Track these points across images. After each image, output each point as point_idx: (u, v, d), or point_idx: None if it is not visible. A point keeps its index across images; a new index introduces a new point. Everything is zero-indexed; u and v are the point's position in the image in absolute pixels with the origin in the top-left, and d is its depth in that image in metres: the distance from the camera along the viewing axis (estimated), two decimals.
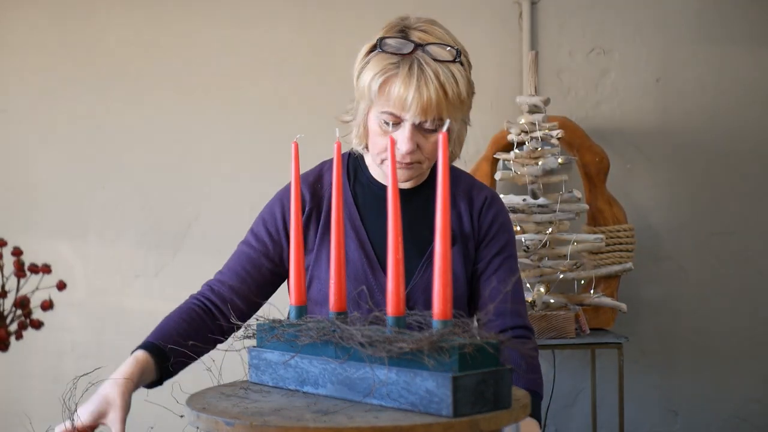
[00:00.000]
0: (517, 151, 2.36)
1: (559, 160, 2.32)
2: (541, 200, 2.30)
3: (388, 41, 1.52)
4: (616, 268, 2.41)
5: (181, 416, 1.18)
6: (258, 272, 1.64)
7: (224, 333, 1.60)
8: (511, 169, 2.36)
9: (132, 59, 2.67)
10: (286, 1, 2.68)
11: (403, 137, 1.49)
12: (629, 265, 2.42)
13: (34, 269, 1.38)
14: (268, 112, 2.66)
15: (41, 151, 2.68)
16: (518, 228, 2.33)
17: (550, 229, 2.31)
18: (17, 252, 1.38)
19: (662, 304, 2.65)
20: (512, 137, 2.37)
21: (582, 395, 2.64)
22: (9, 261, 1.35)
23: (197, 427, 1.11)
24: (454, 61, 1.49)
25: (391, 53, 1.50)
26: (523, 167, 2.33)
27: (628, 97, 2.65)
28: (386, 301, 1.08)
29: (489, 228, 1.61)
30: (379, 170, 1.60)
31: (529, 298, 2.34)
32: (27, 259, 1.38)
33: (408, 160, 1.52)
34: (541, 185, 2.33)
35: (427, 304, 1.51)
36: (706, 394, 2.65)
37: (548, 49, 2.65)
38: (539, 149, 2.33)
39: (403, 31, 1.54)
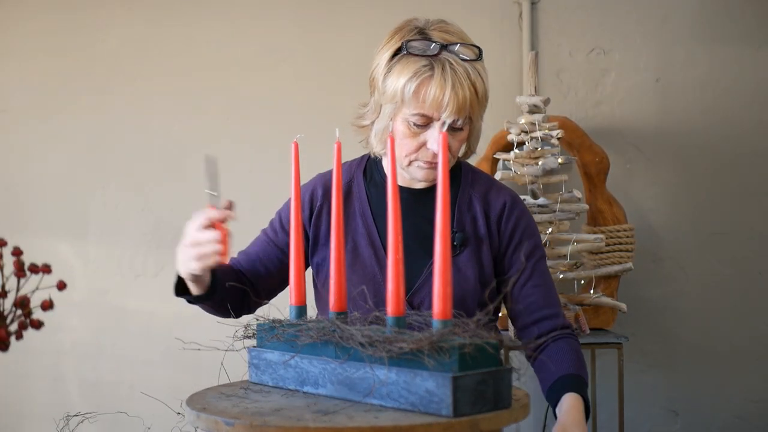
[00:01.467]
0: (517, 151, 2.35)
1: (559, 160, 2.32)
2: (541, 200, 2.30)
3: (413, 44, 1.53)
4: (616, 268, 2.41)
5: (178, 413, 1.18)
6: (268, 259, 1.70)
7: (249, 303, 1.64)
8: (511, 169, 2.36)
9: (132, 59, 2.67)
10: (286, 1, 2.68)
11: (434, 137, 1.51)
12: (629, 265, 2.42)
13: (34, 269, 1.38)
14: (268, 112, 2.66)
15: (41, 151, 2.68)
16: None
17: (550, 229, 2.31)
18: (17, 252, 1.37)
19: (662, 304, 2.65)
20: (512, 137, 2.37)
21: None
22: (9, 261, 1.35)
23: (197, 427, 1.11)
24: (478, 59, 1.51)
25: (418, 55, 1.51)
26: (523, 167, 2.33)
27: (628, 97, 2.65)
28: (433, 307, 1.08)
29: (513, 234, 1.63)
30: (400, 172, 1.61)
31: None
32: (27, 259, 1.38)
33: (429, 157, 1.54)
34: (541, 185, 2.33)
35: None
36: (706, 394, 2.65)
37: (548, 49, 2.65)
38: (539, 149, 2.33)
39: (422, 33, 1.56)
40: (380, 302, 1.51)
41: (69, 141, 2.67)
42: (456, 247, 1.59)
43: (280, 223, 1.71)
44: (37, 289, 1.38)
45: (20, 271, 1.36)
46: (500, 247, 1.62)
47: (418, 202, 1.63)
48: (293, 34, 2.68)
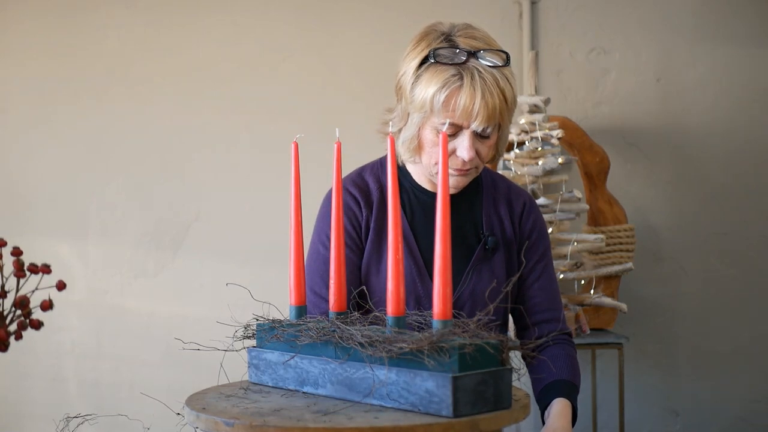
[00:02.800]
0: (517, 151, 2.35)
1: (560, 160, 2.32)
2: (541, 200, 2.30)
3: (440, 52, 1.52)
4: (617, 268, 2.41)
5: (178, 413, 1.18)
6: (351, 273, 1.60)
7: None
8: (511, 169, 2.36)
9: (132, 60, 2.67)
10: (286, 1, 2.68)
11: (464, 146, 1.50)
12: (629, 265, 2.42)
13: (34, 269, 1.38)
14: (268, 112, 2.66)
15: (41, 151, 2.68)
16: None
17: (551, 229, 2.31)
18: (17, 252, 1.37)
19: (662, 304, 2.65)
20: (512, 137, 2.37)
21: (582, 395, 2.64)
22: (9, 261, 1.35)
23: (196, 428, 1.11)
24: (506, 65, 1.51)
25: (447, 64, 1.50)
26: (523, 167, 2.33)
27: (628, 97, 2.65)
28: (433, 308, 1.07)
29: (530, 234, 1.65)
30: (427, 178, 1.61)
31: None
32: (27, 259, 1.38)
33: (468, 167, 1.53)
34: (541, 185, 2.33)
35: (474, 309, 1.53)
36: (706, 394, 2.65)
37: (548, 49, 2.65)
38: (539, 149, 2.33)
39: (448, 39, 1.55)
40: (421, 311, 1.50)
41: (69, 141, 2.67)
42: (489, 251, 1.60)
43: (327, 235, 1.62)
44: (36, 289, 1.38)
45: (20, 271, 1.36)
46: (519, 244, 1.65)
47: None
48: (293, 34, 2.67)
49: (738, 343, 2.65)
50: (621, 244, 2.45)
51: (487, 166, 1.71)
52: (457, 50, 1.51)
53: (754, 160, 2.65)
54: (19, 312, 1.34)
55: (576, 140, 2.48)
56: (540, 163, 2.31)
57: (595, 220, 2.49)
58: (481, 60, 1.50)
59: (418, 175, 1.63)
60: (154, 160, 2.67)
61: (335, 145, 1.31)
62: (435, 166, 1.55)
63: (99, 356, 2.66)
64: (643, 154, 2.65)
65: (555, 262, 2.33)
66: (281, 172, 2.59)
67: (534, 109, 2.37)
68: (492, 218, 1.63)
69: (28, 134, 2.68)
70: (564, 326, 1.65)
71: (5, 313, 1.32)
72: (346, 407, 1.08)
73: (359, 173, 1.66)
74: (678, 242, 2.65)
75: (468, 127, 1.49)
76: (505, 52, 1.52)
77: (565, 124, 2.47)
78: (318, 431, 0.98)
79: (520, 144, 2.37)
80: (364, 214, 1.60)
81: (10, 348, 1.33)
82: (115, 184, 2.67)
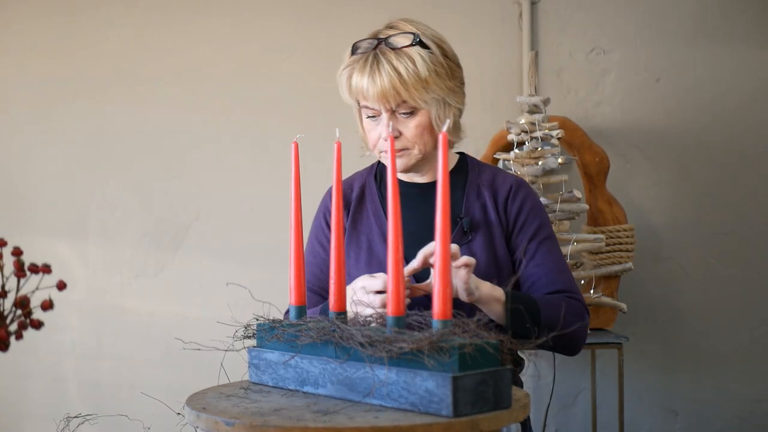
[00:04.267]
0: (517, 151, 2.35)
1: (559, 160, 2.31)
2: (541, 200, 2.30)
3: (359, 44, 1.63)
4: (617, 268, 2.41)
5: (178, 413, 1.18)
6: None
7: None
8: (511, 169, 2.36)
9: (132, 60, 2.67)
10: (286, 1, 2.68)
11: (382, 126, 1.60)
12: (629, 265, 2.42)
13: (34, 269, 1.38)
14: (268, 112, 2.66)
15: (41, 151, 2.68)
16: None
17: None
18: (17, 252, 1.37)
19: (662, 304, 2.65)
20: (512, 137, 2.37)
21: (582, 395, 2.64)
22: (9, 261, 1.35)
23: (197, 427, 1.11)
24: (412, 45, 1.58)
25: (358, 53, 1.61)
26: (523, 167, 2.33)
27: (628, 97, 2.65)
28: (433, 308, 1.08)
29: (518, 216, 1.65)
30: (402, 170, 1.67)
31: None
32: (27, 259, 1.38)
33: (395, 147, 1.58)
34: (541, 185, 2.33)
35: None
36: (706, 394, 2.65)
37: (548, 49, 2.65)
38: (539, 149, 2.33)
39: (376, 32, 1.65)
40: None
41: (69, 141, 2.67)
42: (467, 233, 1.61)
43: (320, 244, 1.74)
44: (36, 289, 1.38)
45: (20, 271, 1.36)
46: (508, 229, 1.65)
47: (423, 195, 1.68)
48: (293, 34, 2.67)
49: (738, 343, 2.65)
50: (621, 244, 2.45)
51: (486, 162, 1.73)
52: (372, 39, 1.62)
53: (754, 160, 2.65)
54: (19, 312, 1.34)
55: (576, 140, 2.48)
56: (540, 163, 2.31)
57: (595, 220, 2.49)
58: (387, 45, 1.59)
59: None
60: (154, 160, 2.67)
61: (335, 145, 1.31)
62: (375, 150, 1.64)
63: (99, 356, 2.66)
64: (643, 154, 2.65)
65: None
66: (281, 172, 2.59)
67: (534, 109, 2.37)
68: (472, 203, 1.66)
69: (28, 134, 2.68)
70: (567, 287, 1.61)
71: (5, 313, 1.32)
72: (346, 407, 1.08)
73: (350, 177, 1.77)
74: (678, 242, 2.65)
75: (388, 110, 1.58)
76: (414, 33, 1.60)
77: (565, 124, 2.47)
78: (318, 431, 0.98)
79: (520, 144, 2.37)
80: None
81: (10, 348, 1.33)
82: (115, 184, 2.67)
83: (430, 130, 1.62)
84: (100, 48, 2.67)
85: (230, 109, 2.66)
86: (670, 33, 2.65)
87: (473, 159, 1.76)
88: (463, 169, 1.72)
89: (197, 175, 2.67)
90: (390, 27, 1.65)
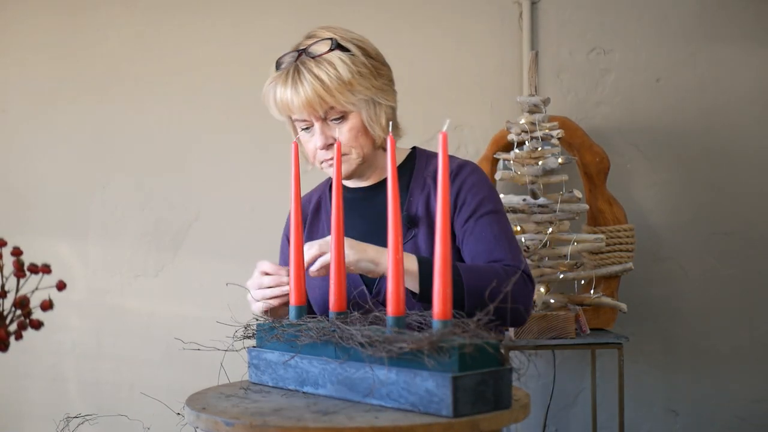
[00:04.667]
0: (517, 151, 2.35)
1: (559, 160, 2.31)
2: (541, 200, 2.30)
3: (282, 59, 1.62)
4: (617, 268, 2.41)
5: (178, 413, 1.18)
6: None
7: None
8: (511, 169, 2.36)
9: (132, 59, 2.67)
10: (286, 1, 2.68)
11: (317, 137, 1.59)
12: (629, 265, 2.41)
13: (34, 269, 1.38)
14: (268, 112, 2.66)
15: (41, 151, 2.68)
16: (518, 228, 2.33)
17: (551, 229, 2.31)
18: (17, 252, 1.37)
19: (662, 304, 2.65)
20: (512, 137, 2.37)
21: (582, 395, 2.64)
22: (9, 261, 1.35)
23: (196, 428, 1.11)
24: (330, 50, 1.56)
25: (281, 69, 1.60)
26: (523, 167, 2.33)
27: (628, 97, 2.65)
28: (433, 308, 1.07)
29: (457, 197, 1.62)
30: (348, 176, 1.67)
31: None
32: (27, 259, 1.37)
33: (329, 155, 1.60)
34: (541, 185, 2.33)
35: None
36: (706, 394, 2.65)
37: (548, 49, 2.65)
38: (539, 149, 2.33)
39: (296, 45, 1.64)
40: (354, 303, 1.54)
41: (69, 141, 2.67)
42: (410, 228, 1.60)
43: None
44: (36, 289, 1.38)
45: (20, 271, 1.36)
46: (452, 214, 1.61)
47: (368, 197, 1.68)
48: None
49: (738, 343, 2.64)
50: (621, 244, 2.45)
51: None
52: (293, 52, 1.61)
53: (754, 160, 2.65)
54: (19, 312, 1.34)
55: (576, 140, 2.48)
56: (540, 163, 2.31)
57: (595, 220, 2.49)
58: (307, 55, 1.58)
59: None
60: (155, 160, 2.67)
61: (336, 145, 1.31)
62: (316, 162, 1.64)
63: (99, 356, 2.66)
64: (643, 154, 2.65)
65: (555, 262, 2.33)
66: (281, 172, 2.59)
67: (534, 109, 2.37)
68: (416, 198, 1.64)
69: (28, 134, 2.68)
70: (509, 257, 1.53)
71: (5, 313, 1.32)
72: (346, 407, 1.08)
73: (310, 191, 1.80)
74: (678, 242, 2.64)
75: (319, 120, 1.57)
76: (332, 39, 1.58)
77: (565, 124, 2.47)
78: (318, 431, 0.98)
79: (520, 144, 2.36)
80: None
81: (10, 348, 1.33)
82: (115, 184, 2.67)
83: (365, 132, 1.60)
84: (100, 48, 2.67)
85: (230, 109, 2.66)
86: (670, 33, 2.65)
87: (424, 151, 1.73)
88: (410, 163, 1.70)
89: (197, 175, 2.67)
90: (309, 37, 1.63)
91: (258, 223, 2.66)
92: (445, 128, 1.13)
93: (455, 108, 2.65)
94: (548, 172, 2.33)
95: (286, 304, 1.44)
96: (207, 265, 2.65)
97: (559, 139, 2.33)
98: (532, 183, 2.31)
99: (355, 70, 1.56)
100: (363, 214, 1.67)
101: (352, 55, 1.58)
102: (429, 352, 1.01)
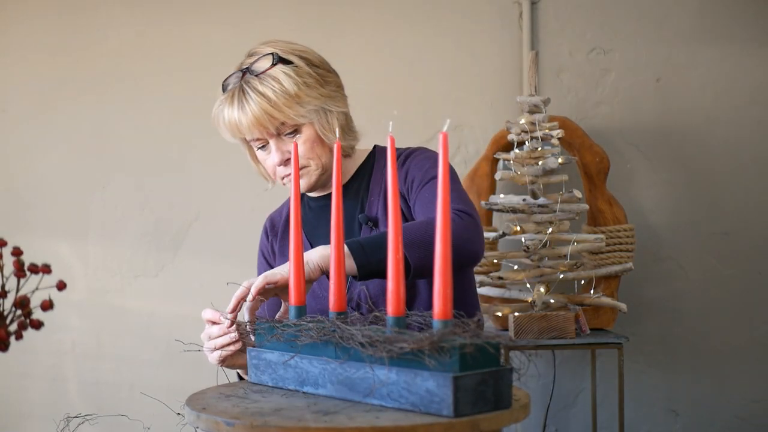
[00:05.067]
0: (517, 151, 2.35)
1: (559, 160, 2.31)
2: (541, 200, 2.30)
3: (227, 81, 1.61)
4: (617, 268, 2.41)
5: (178, 413, 1.18)
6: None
7: None
8: (511, 169, 2.36)
9: (132, 59, 2.67)
10: (286, 1, 2.68)
11: (272, 153, 1.58)
12: (629, 265, 2.41)
13: (34, 269, 1.38)
14: None
15: (41, 151, 2.67)
16: (518, 228, 2.33)
17: (551, 229, 2.31)
18: (17, 252, 1.37)
19: (662, 304, 2.64)
20: (512, 137, 2.37)
21: (582, 395, 2.64)
22: (9, 261, 1.35)
23: (197, 428, 1.11)
24: (273, 65, 1.55)
25: (229, 90, 1.59)
26: (523, 167, 2.33)
27: (628, 97, 2.65)
28: (433, 308, 1.05)
29: (405, 180, 1.60)
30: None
31: (528, 298, 2.34)
32: (27, 259, 1.38)
33: (289, 170, 1.59)
34: (541, 185, 2.33)
35: (371, 286, 1.51)
36: (706, 394, 2.65)
37: (548, 49, 2.65)
38: (539, 149, 2.33)
39: (239, 64, 1.63)
40: (318, 301, 1.54)
41: (69, 141, 2.67)
42: (372, 228, 1.59)
43: (265, 262, 1.76)
44: (36, 289, 1.38)
45: (20, 271, 1.36)
46: (408, 198, 1.59)
47: (328, 206, 1.68)
48: (293, 34, 2.67)
49: (738, 343, 2.64)
50: (621, 244, 2.45)
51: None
52: (237, 72, 1.59)
53: (754, 160, 2.65)
54: (19, 312, 1.34)
55: (576, 140, 2.48)
56: (540, 163, 2.31)
57: (595, 220, 2.49)
58: (251, 73, 1.56)
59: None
60: (154, 159, 2.66)
61: (335, 145, 1.31)
62: (277, 178, 1.63)
63: (99, 356, 2.66)
64: (643, 154, 2.65)
65: (554, 262, 2.33)
66: None
67: (534, 109, 2.37)
68: (375, 198, 1.63)
69: (28, 134, 2.68)
70: (459, 209, 1.48)
71: (5, 313, 1.32)
72: (346, 407, 1.08)
73: (281, 207, 1.80)
74: (678, 242, 2.64)
75: (274, 137, 1.56)
76: (273, 53, 1.56)
77: (565, 124, 2.47)
78: (319, 431, 0.98)
79: (520, 144, 2.36)
80: (269, 241, 1.74)
81: (10, 348, 1.33)
82: (115, 184, 2.67)
83: (321, 142, 1.59)
84: (100, 48, 2.67)
85: None
86: (670, 33, 2.65)
87: (384, 149, 1.72)
88: (368, 164, 1.69)
89: (197, 175, 2.67)
90: (250, 55, 1.62)
91: (258, 223, 2.64)
92: (445, 128, 1.13)
93: (455, 108, 2.65)
94: (548, 172, 2.33)
95: (243, 350, 1.39)
96: (207, 265, 2.65)
97: (559, 139, 2.32)
98: (532, 183, 2.31)
99: (300, 82, 1.55)
100: (329, 221, 1.66)
101: (296, 66, 1.56)
102: (430, 352, 1.01)
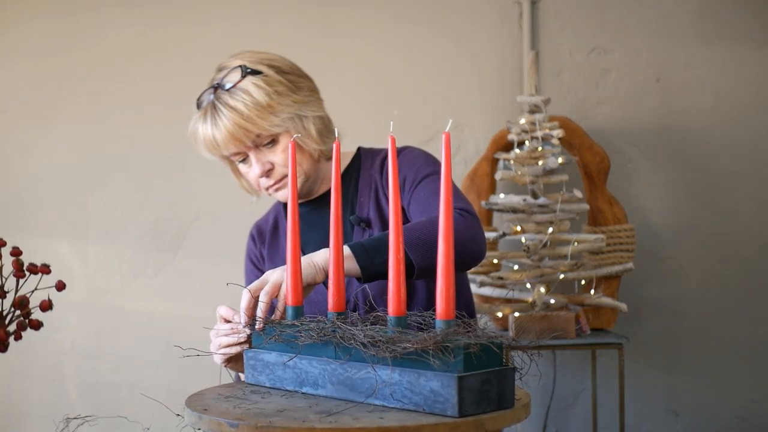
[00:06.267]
0: (517, 151, 2.35)
1: (560, 160, 2.31)
2: (541, 200, 2.30)
3: (201, 98, 1.61)
4: (617, 268, 2.41)
5: (177, 414, 1.17)
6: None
7: None
8: (511, 169, 2.36)
9: (132, 59, 2.66)
10: (286, 1, 2.68)
11: (253, 166, 1.58)
12: (630, 265, 2.41)
13: (33, 269, 1.37)
14: None
15: (41, 151, 2.67)
16: (518, 228, 2.32)
17: (551, 229, 2.30)
18: (16, 252, 1.37)
19: (663, 305, 2.64)
20: (512, 137, 2.37)
21: (582, 396, 2.64)
22: (8, 261, 1.34)
23: (198, 429, 1.10)
24: (242, 78, 1.54)
25: (203, 107, 1.59)
26: (523, 167, 2.33)
27: (628, 97, 2.65)
28: (437, 308, 1.05)
29: (398, 179, 1.58)
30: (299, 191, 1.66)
31: (529, 298, 2.33)
32: (27, 259, 1.37)
33: (272, 181, 1.60)
34: (541, 185, 2.33)
35: (373, 297, 1.51)
36: (707, 394, 2.64)
37: (548, 49, 2.64)
38: (539, 149, 2.33)
39: (211, 80, 1.62)
40: (315, 304, 1.53)
41: (68, 141, 2.67)
42: (364, 229, 1.58)
43: (256, 277, 1.74)
44: (36, 289, 1.37)
45: (19, 271, 1.35)
46: (402, 197, 1.57)
47: (318, 208, 1.69)
48: (293, 34, 2.67)
49: (738, 343, 2.64)
50: (621, 244, 2.45)
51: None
52: (209, 89, 1.59)
53: (754, 160, 2.65)
54: (18, 312, 1.33)
55: (576, 140, 2.48)
56: (540, 163, 2.31)
57: (595, 220, 2.48)
58: (222, 88, 1.56)
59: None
60: (154, 159, 2.66)
61: (335, 145, 1.31)
62: (261, 189, 1.64)
63: (99, 356, 2.65)
64: (643, 154, 2.65)
65: (555, 262, 2.33)
66: None
67: (534, 109, 2.37)
68: (366, 198, 1.63)
69: (28, 134, 2.68)
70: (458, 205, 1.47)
71: (5, 313, 1.32)
72: (348, 407, 1.07)
73: (267, 214, 1.80)
74: (678, 242, 2.64)
75: (251, 151, 1.56)
76: (241, 66, 1.55)
77: (565, 124, 2.47)
78: (325, 431, 0.98)
79: (521, 144, 2.36)
80: (258, 248, 1.74)
81: (10, 348, 1.32)
82: (114, 184, 2.66)
83: (299, 149, 1.59)
84: (99, 48, 2.67)
85: None
86: (670, 33, 2.65)
87: (369, 150, 1.71)
88: (355, 165, 1.68)
89: (197, 175, 2.67)
90: (220, 70, 1.61)
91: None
92: (447, 128, 1.13)
93: (455, 108, 2.64)
94: (548, 172, 2.33)
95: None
96: (207, 266, 2.64)
97: (559, 139, 2.32)
98: (533, 183, 2.31)
99: (271, 91, 1.54)
100: (316, 225, 1.66)
101: (265, 76, 1.55)
102: (434, 352, 1.01)
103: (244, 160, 1.60)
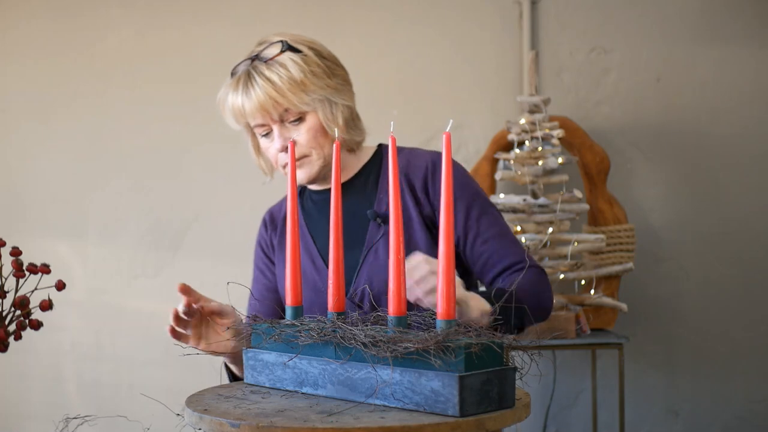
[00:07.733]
0: (517, 150, 2.35)
1: (560, 160, 2.31)
2: (541, 200, 2.30)
3: (236, 68, 1.61)
4: (617, 268, 2.41)
5: (177, 414, 1.17)
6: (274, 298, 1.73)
7: None
8: (511, 169, 2.35)
9: (131, 60, 2.66)
10: (286, 1, 2.68)
11: (275, 140, 1.57)
12: (630, 265, 2.41)
13: (33, 269, 1.37)
14: None
15: (41, 151, 2.67)
16: (518, 228, 2.32)
17: (551, 229, 2.30)
18: (16, 252, 1.36)
19: (663, 305, 2.64)
20: (512, 137, 2.37)
21: (583, 396, 2.64)
22: (8, 261, 1.34)
23: (198, 429, 1.10)
24: (282, 52, 1.55)
25: (235, 76, 1.59)
26: (523, 167, 2.33)
27: (628, 97, 2.65)
28: (437, 307, 1.06)
29: (432, 200, 1.59)
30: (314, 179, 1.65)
31: None
32: (26, 259, 1.37)
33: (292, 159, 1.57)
34: (541, 185, 2.33)
35: (372, 284, 1.51)
36: (707, 394, 2.65)
37: (548, 49, 2.64)
38: (540, 149, 2.33)
39: (250, 52, 1.62)
40: (322, 309, 1.52)
41: (68, 141, 2.66)
42: (380, 225, 1.58)
43: (264, 264, 1.76)
44: (36, 289, 1.37)
45: (19, 271, 1.35)
46: (435, 213, 1.58)
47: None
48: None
49: (738, 343, 2.64)
50: (621, 244, 2.45)
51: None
52: (247, 60, 1.59)
53: (754, 160, 2.65)
54: (18, 312, 1.33)
55: (576, 140, 2.48)
56: (540, 163, 2.31)
57: (595, 220, 2.48)
58: (259, 59, 1.57)
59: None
60: (154, 160, 2.66)
61: (335, 145, 1.31)
62: (278, 166, 1.62)
63: (99, 356, 2.65)
64: (643, 154, 2.65)
65: (555, 262, 2.33)
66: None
67: (534, 109, 2.37)
68: (384, 194, 1.61)
69: (27, 134, 2.67)
70: (517, 257, 1.54)
71: (4, 313, 1.32)
72: (349, 407, 1.07)
73: (281, 201, 1.78)
74: (678, 242, 2.64)
75: (276, 123, 1.56)
76: (282, 41, 1.57)
77: (565, 124, 2.46)
78: (327, 431, 0.98)
79: (521, 144, 2.36)
80: (269, 235, 1.73)
81: (10, 348, 1.32)
82: (114, 184, 2.66)
83: (323, 132, 1.58)
84: (99, 49, 2.66)
85: None
86: (670, 33, 2.65)
87: (387, 147, 1.70)
88: (377, 161, 1.68)
89: (197, 175, 2.67)
90: (260, 43, 1.62)
91: (257, 222, 2.64)
92: (448, 128, 1.13)
93: (455, 108, 2.64)
94: (548, 172, 2.33)
95: (199, 334, 1.48)
96: (206, 266, 2.64)
97: (559, 139, 2.32)
98: (533, 183, 2.31)
99: (307, 70, 1.54)
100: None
101: (304, 55, 1.56)
102: (435, 352, 1.01)
103: (267, 134, 1.59)
